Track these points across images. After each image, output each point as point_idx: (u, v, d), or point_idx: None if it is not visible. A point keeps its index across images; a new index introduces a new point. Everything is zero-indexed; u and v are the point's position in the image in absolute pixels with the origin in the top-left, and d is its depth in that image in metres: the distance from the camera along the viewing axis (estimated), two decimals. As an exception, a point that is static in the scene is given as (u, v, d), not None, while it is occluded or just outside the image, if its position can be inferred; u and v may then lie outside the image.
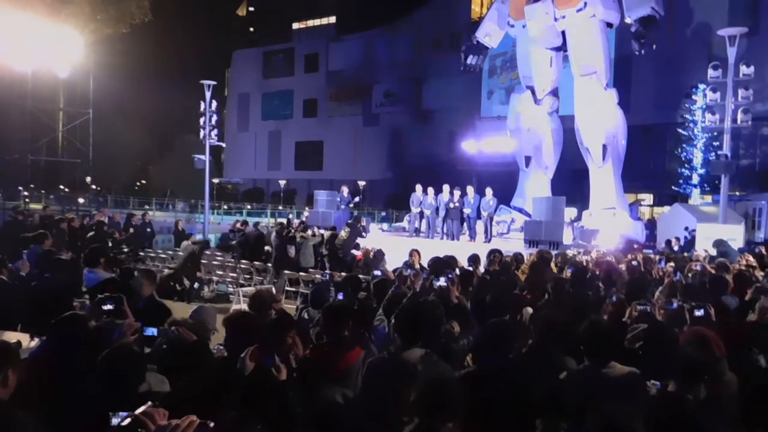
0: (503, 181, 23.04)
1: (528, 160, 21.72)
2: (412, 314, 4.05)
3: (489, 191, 18.20)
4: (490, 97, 46.01)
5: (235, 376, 3.05)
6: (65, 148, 30.40)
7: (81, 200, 31.84)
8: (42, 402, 3.04)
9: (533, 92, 21.24)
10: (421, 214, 19.18)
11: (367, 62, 54.58)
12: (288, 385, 3.17)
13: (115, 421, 1.92)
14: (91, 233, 13.34)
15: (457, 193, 18.17)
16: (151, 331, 3.55)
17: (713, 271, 7.59)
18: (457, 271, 7.12)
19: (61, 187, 35.38)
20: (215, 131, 21.30)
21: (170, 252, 17.09)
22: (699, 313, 4.78)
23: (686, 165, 32.53)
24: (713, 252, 12.46)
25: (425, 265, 8.62)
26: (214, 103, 21.23)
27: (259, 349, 3.21)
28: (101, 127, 30.67)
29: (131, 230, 16.63)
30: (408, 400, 3.21)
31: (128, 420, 1.89)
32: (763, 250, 12.78)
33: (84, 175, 31.10)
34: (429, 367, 3.58)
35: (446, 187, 18.51)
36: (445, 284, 5.49)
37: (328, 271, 11.79)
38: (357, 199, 24.45)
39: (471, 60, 22.47)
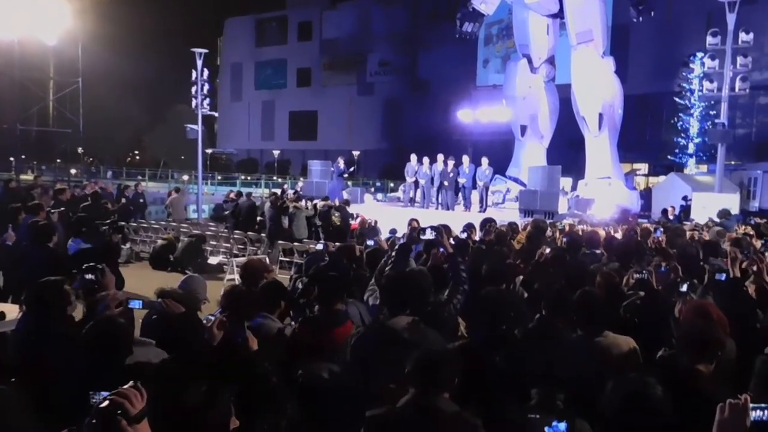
0: (499, 151, 22.90)
1: (524, 129, 21.56)
2: (398, 283, 4.01)
3: (485, 161, 18.07)
4: (486, 65, 45.54)
5: (205, 348, 2.96)
6: (55, 119, 29.97)
7: (73, 171, 31.57)
8: (24, 376, 2.96)
9: (529, 60, 20.99)
10: (416, 184, 19.07)
11: (362, 31, 53.78)
12: (261, 356, 3.09)
13: (94, 401, 1.83)
14: (86, 203, 13.19)
15: (451, 162, 18.05)
16: (137, 303, 3.45)
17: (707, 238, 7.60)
18: (452, 240, 7.05)
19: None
20: (207, 101, 21.01)
21: (163, 222, 16.99)
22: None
23: (682, 134, 32.37)
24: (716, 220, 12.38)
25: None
26: (206, 72, 20.88)
27: (229, 319, 3.13)
28: (92, 97, 30.23)
29: (123, 201, 16.48)
30: (395, 367, 3.15)
31: (106, 402, 1.80)
32: (758, 220, 12.75)
33: (75, 146, 30.72)
34: (415, 334, 3.53)
35: (440, 157, 18.38)
36: (432, 236, 5.41)
37: (323, 241, 11.72)
38: (351, 169, 24.28)
39: (466, 27, 22.08)
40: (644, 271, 5.14)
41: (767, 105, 34.86)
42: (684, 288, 4.62)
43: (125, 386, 1.85)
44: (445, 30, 37.07)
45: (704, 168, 30.53)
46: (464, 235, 7.80)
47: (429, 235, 5.41)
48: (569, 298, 4.07)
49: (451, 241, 6.82)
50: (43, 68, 28.70)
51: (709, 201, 16.20)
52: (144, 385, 1.88)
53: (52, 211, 10.13)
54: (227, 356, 2.81)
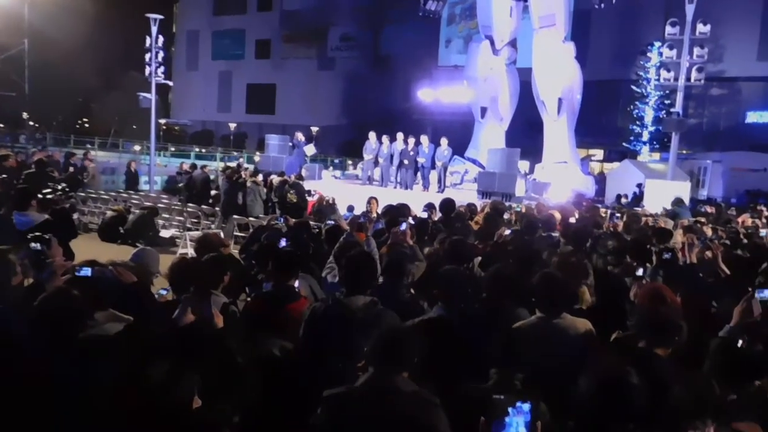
0: (458, 132, 22.92)
1: (484, 111, 21.63)
2: (356, 264, 3.97)
3: (444, 141, 18.06)
4: (448, 45, 45.46)
5: (172, 325, 2.83)
6: (-2, 80, 28.59)
7: (20, 137, 30.28)
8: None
9: (492, 42, 21.00)
10: (376, 162, 18.96)
11: (324, 3, 52.83)
12: (227, 334, 2.98)
13: None
14: (30, 170, 12.60)
15: (411, 141, 17.98)
16: (85, 271, 3.25)
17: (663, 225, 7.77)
18: (411, 219, 7.02)
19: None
20: (162, 69, 20.30)
21: (113, 193, 16.45)
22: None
23: (638, 122, 33.09)
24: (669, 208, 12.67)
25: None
26: (161, 39, 20.16)
27: (196, 296, 3.00)
28: (38, 60, 28.88)
29: (71, 169, 15.87)
30: (348, 345, 3.10)
31: None
32: (708, 208, 13.14)
33: (20, 111, 29.38)
34: (370, 315, 3.50)
35: (400, 135, 18.29)
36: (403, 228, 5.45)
37: (281, 216, 11.54)
38: (312, 147, 23.72)
39: (430, 5, 21.97)
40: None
41: (719, 96, 35.83)
42: (640, 272, 4.69)
43: None
44: (408, 7, 36.69)
45: (657, 156, 31.32)
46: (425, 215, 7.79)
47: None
48: (512, 277, 4.09)
49: (411, 220, 6.81)
50: (-14, 27, 27.26)
51: (661, 188, 16.61)
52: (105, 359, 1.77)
53: (-6, 178, 9.67)
54: (194, 334, 2.69)
